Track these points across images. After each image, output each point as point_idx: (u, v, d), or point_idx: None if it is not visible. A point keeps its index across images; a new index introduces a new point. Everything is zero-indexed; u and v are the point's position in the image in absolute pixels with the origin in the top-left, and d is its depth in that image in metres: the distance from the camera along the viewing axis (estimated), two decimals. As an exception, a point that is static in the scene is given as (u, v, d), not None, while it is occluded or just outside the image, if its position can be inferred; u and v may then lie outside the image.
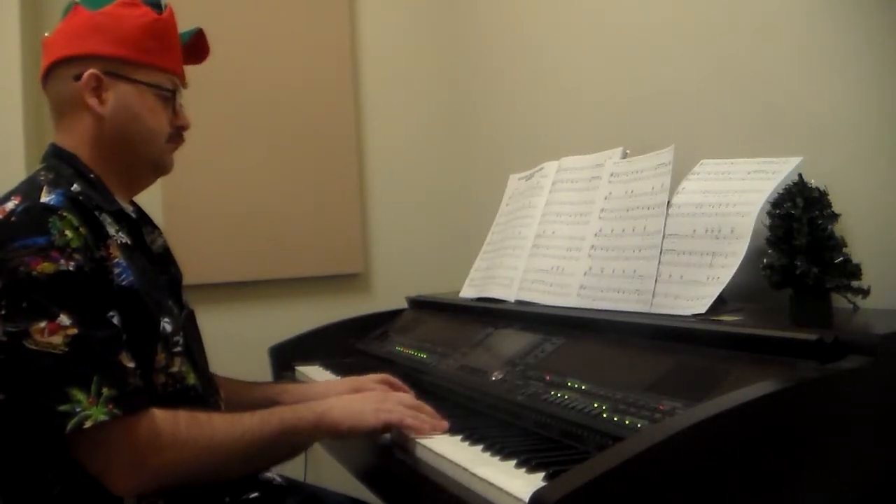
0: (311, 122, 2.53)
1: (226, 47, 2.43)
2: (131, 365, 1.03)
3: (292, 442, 1.14)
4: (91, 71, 1.17)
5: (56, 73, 1.20)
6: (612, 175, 1.54)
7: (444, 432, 1.18)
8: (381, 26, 2.67)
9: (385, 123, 2.66)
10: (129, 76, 1.20)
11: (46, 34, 1.24)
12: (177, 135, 1.28)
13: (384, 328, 1.99)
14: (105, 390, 0.98)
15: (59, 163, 1.17)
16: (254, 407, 1.41)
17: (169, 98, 1.25)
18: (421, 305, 2.02)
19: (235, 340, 2.20)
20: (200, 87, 2.35)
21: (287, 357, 1.92)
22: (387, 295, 2.40)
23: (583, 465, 0.76)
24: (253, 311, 2.45)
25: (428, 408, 1.23)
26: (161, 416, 1.03)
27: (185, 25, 1.30)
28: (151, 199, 2.24)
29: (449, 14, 2.69)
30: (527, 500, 0.75)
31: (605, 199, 1.52)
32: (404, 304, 2.09)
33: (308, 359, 1.90)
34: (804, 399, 0.85)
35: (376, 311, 2.09)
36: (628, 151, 1.56)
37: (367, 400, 1.21)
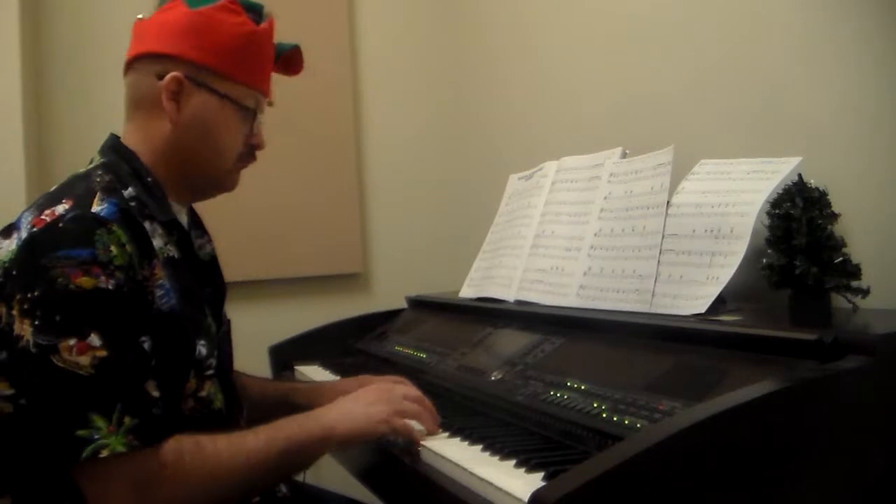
0: (311, 121, 2.53)
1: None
2: (156, 394, 1.00)
3: (300, 458, 1.11)
4: (175, 74, 1.12)
5: (140, 66, 1.16)
6: (611, 175, 1.54)
7: (444, 432, 1.17)
8: (380, 26, 2.67)
9: (384, 123, 2.66)
10: (213, 87, 1.15)
11: (141, 16, 1.18)
12: (248, 154, 1.24)
13: (383, 328, 1.99)
14: (127, 420, 0.95)
15: (117, 159, 1.13)
16: (265, 404, 1.40)
17: (248, 116, 1.20)
18: (420, 305, 2.02)
19: (235, 340, 2.19)
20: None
21: (286, 357, 1.92)
22: (386, 295, 2.39)
23: (582, 464, 0.76)
24: (252, 311, 2.44)
25: (428, 402, 1.22)
26: (168, 449, 0.99)
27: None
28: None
29: (449, 14, 2.69)
30: (526, 499, 0.75)
31: (605, 199, 1.52)
32: (404, 304, 2.09)
33: (308, 358, 1.89)
34: (804, 399, 0.85)
35: (376, 310, 2.08)
36: (628, 151, 1.56)
37: (372, 402, 1.16)
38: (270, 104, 1.25)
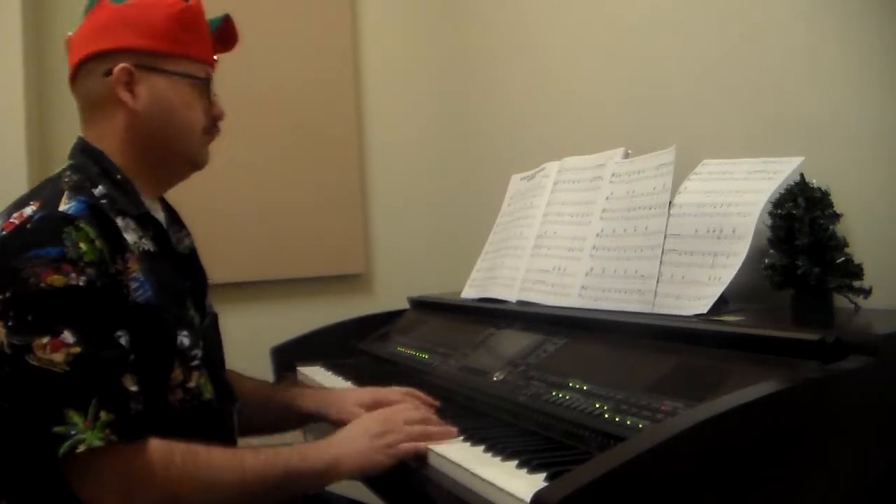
0: (313, 122, 2.53)
1: (227, 48, 2.44)
2: (134, 389, 1.00)
3: (297, 487, 1.11)
4: (122, 65, 1.14)
5: (85, 71, 1.17)
6: (613, 175, 1.54)
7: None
8: (382, 26, 2.68)
9: (386, 123, 2.66)
10: (162, 68, 1.17)
11: (70, 33, 1.21)
12: (213, 126, 1.25)
13: (386, 329, 1.99)
14: (103, 414, 0.95)
15: (86, 160, 1.14)
16: (269, 409, 1.40)
17: (203, 88, 1.22)
18: (422, 306, 2.02)
19: (237, 341, 2.18)
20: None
21: (289, 357, 1.92)
22: (388, 295, 2.40)
23: (584, 465, 0.76)
24: (254, 312, 2.45)
25: (434, 417, 1.20)
26: (156, 448, 1.00)
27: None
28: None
29: (450, 14, 2.70)
30: (528, 500, 0.75)
31: (607, 199, 1.52)
32: (406, 305, 2.09)
33: (310, 359, 1.90)
34: (806, 399, 0.85)
35: (378, 311, 2.08)
36: (630, 152, 1.56)
37: (373, 434, 1.15)
38: (214, 70, 1.27)
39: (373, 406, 1.31)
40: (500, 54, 2.42)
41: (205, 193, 2.41)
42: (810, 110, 1.33)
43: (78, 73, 1.19)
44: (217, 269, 2.35)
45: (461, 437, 1.14)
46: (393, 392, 1.37)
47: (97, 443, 0.94)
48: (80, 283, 0.98)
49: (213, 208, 2.40)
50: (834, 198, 1.21)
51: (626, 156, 1.56)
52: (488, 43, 2.50)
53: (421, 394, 1.36)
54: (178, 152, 1.21)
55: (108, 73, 1.15)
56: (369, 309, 2.13)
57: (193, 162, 1.24)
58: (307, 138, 2.52)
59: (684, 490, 0.77)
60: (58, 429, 0.93)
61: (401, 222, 2.66)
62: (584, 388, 1.14)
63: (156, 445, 1.00)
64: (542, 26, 2.17)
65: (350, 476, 1.13)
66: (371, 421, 1.19)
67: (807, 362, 0.92)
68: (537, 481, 0.90)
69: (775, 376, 0.88)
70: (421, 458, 1.12)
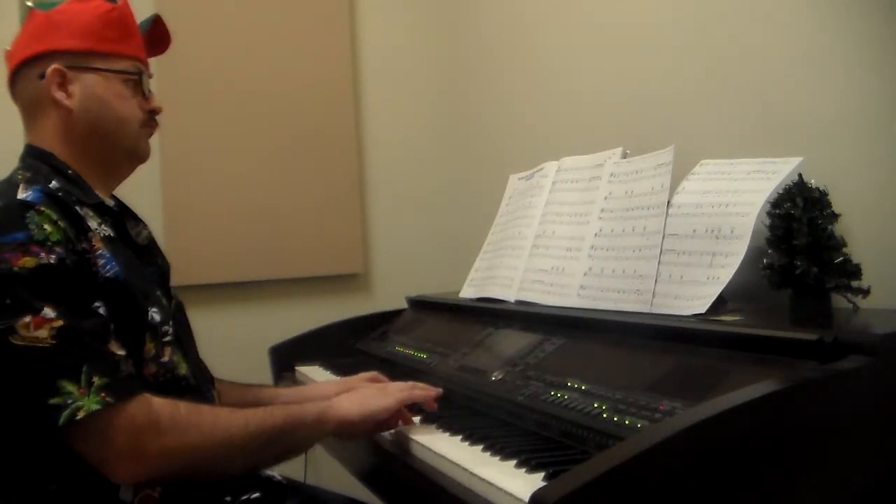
0: (312, 122, 2.53)
1: (226, 47, 2.44)
2: (121, 353, 1.03)
3: (298, 436, 1.14)
4: (54, 66, 1.18)
5: (21, 76, 1.22)
6: (612, 175, 1.54)
7: (445, 432, 1.18)
8: (381, 26, 2.68)
9: (385, 123, 2.66)
10: (93, 66, 1.21)
11: (8, 47, 1.25)
12: (150, 119, 1.28)
13: (384, 328, 1.99)
14: (96, 379, 0.97)
15: (35, 162, 1.17)
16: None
17: (136, 83, 1.25)
18: (421, 305, 2.02)
19: (235, 340, 2.20)
20: (201, 86, 2.35)
21: (287, 357, 1.92)
22: (387, 295, 2.40)
23: (583, 465, 0.77)
24: (253, 311, 2.45)
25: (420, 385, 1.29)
26: (158, 401, 1.03)
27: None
28: (151, 199, 2.26)
29: (449, 14, 2.70)
30: (527, 500, 0.75)
31: (605, 199, 1.52)
32: (404, 305, 2.09)
33: (308, 359, 1.90)
34: (804, 399, 0.85)
35: (376, 311, 2.09)
36: (628, 151, 1.56)
37: (368, 395, 1.23)
38: (150, 76, 1.29)
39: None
40: (498, 54, 2.42)
41: (203, 193, 2.42)
42: (809, 111, 1.33)
43: (15, 79, 1.23)
44: (215, 268, 2.38)
45: (460, 437, 1.14)
46: (360, 378, 1.44)
47: (95, 406, 0.96)
48: (52, 261, 1.01)
49: (212, 208, 2.40)
50: (832, 198, 1.21)
51: (625, 156, 1.56)
52: (487, 43, 2.50)
53: (384, 377, 1.43)
54: (116, 145, 1.24)
55: (42, 75, 1.19)
56: (368, 308, 2.13)
57: (133, 153, 1.27)
58: (306, 138, 2.52)
59: (682, 490, 0.77)
60: (54, 400, 0.95)
61: (399, 222, 2.66)
62: (583, 387, 1.14)
63: (157, 400, 1.03)
64: (541, 26, 2.17)
65: (352, 418, 1.17)
66: (363, 388, 1.31)
67: (805, 362, 0.92)
68: (536, 481, 0.90)
69: (773, 376, 0.89)
70: (409, 450, 1.13)
